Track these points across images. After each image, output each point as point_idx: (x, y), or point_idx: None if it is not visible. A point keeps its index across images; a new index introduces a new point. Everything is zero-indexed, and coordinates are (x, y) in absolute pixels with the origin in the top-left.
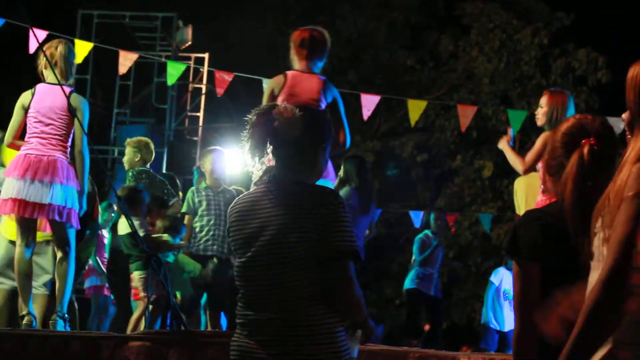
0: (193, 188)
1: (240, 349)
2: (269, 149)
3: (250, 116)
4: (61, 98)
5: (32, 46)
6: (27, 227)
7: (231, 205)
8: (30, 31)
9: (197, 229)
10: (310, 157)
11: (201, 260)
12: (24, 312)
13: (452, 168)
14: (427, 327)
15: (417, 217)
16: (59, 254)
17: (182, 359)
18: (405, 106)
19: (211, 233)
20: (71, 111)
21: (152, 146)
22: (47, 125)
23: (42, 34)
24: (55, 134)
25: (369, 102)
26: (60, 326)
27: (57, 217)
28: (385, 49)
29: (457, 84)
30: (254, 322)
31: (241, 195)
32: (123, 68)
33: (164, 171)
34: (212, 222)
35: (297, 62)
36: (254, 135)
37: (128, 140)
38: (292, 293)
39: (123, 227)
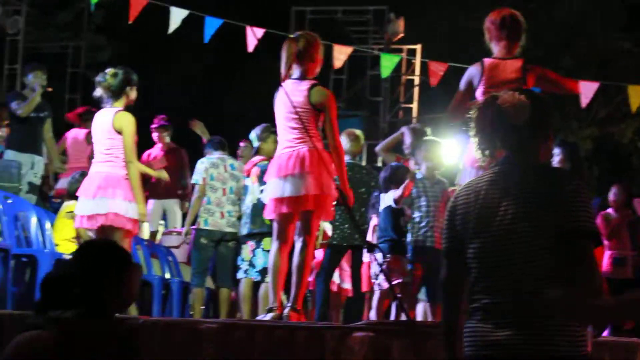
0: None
1: (473, 333)
2: (498, 136)
3: (472, 112)
4: (301, 93)
5: (250, 44)
6: (284, 224)
7: (459, 190)
8: (248, 29)
9: (417, 220)
10: (538, 142)
11: (420, 251)
12: (273, 305)
13: None
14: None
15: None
16: (299, 244)
17: (405, 350)
18: (624, 91)
19: (431, 224)
20: (312, 104)
21: (361, 139)
22: (292, 119)
23: (258, 32)
24: (299, 128)
25: (587, 89)
26: (295, 319)
27: (310, 207)
28: (601, 32)
29: None
30: (488, 307)
31: (469, 181)
32: (338, 62)
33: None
34: (430, 213)
35: (495, 46)
36: (482, 128)
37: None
38: (528, 276)
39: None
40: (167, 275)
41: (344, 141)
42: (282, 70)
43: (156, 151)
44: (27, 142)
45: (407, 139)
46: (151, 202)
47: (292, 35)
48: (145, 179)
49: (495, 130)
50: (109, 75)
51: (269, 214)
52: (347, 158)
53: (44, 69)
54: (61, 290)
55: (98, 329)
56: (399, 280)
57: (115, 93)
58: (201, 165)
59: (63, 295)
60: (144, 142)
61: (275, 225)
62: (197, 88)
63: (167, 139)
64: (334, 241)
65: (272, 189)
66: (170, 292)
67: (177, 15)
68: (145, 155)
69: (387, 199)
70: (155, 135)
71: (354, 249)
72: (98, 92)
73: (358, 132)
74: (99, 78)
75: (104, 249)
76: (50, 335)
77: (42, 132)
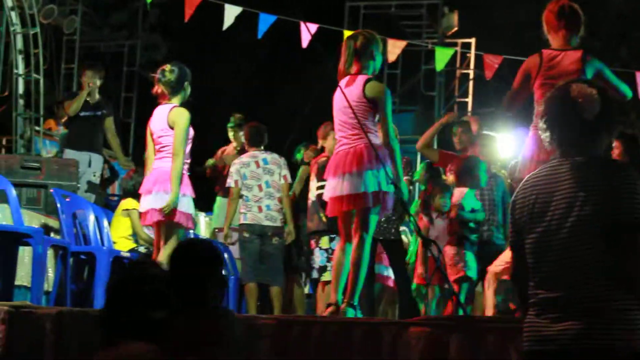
0: None
1: (530, 328)
2: (565, 129)
3: (542, 102)
4: (357, 87)
5: (304, 40)
6: (346, 222)
7: (522, 182)
8: (302, 25)
9: None
10: (603, 135)
11: (477, 245)
12: (332, 301)
13: None
14: None
15: None
16: (355, 240)
17: (463, 345)
18: None
19: (487, 218)
20: (367, 99)
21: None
22: (347, 115)
23: (312, 28)
24: (355, 123)
25: None
26: (351, 315)
27: (370, 204)
28: None
29: None
30: (543, 301)
31: (529, 175)
32: (392, 56)
33: None
34: (486, 207)
35: (553, 37)
36: (551, 119)
37: None
38: (581, 269)
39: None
40: (224, 272)
41: None
42: (341, 67)
43: (230, 149)
44: (83, 141)
45: (474, 126)
46: (219, 199)
47: (350, 33)
48: (217, 175)
49: (564, 122)
50: (167, 71)
51: (329, 213)
52: None
53: (94, 67)
54: (151, 291)
55: (204, 326)
56: (459, 275)
57: (175, 89)
58: (233, 167)
59: (155, 296)
60: (201, 138)
61: (339, 223)
62: (251, 85)
63: (242, 138)
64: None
65: (330, 188)
66: (227, 289)
67: (231, 12)
68: (219, 152)
69: (458, 194)
70: (230, 134)
71: (391, 242)
72: (157, 88)
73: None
74: (157, 75)
75: (204, 247)
76: (154, 347)
77: (99, 131)
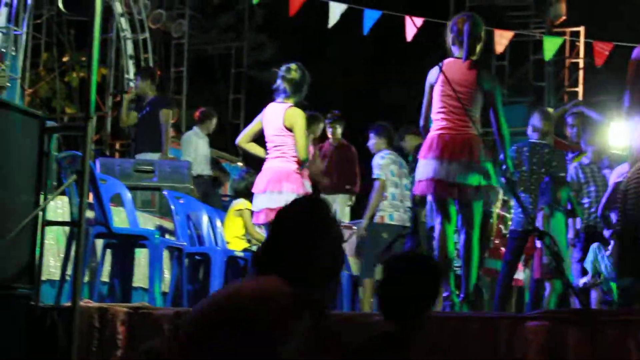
0: (576, 164)
1: None
2: None
3: None
4: (463, 71)
5: (409, 34)
6: (443, 205)
7: (631, 173)
8: (407, 19)
9: (586, 206)
10: None
11: (591, 237)
12: (446, 292)
13: None
14: None
15: None
16: (462, 236)
17: (582, 339)
18: None
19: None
20: (479, 86)
21: (552, 118)
22: (454, 99)
23: (418, 22)
24: (460, 108)
25: None
26: (464, 308)
27: (471, 198)
28: None
29: None
30: None
31: None
32: (499, 47)
33: None
34: (600, 198)
35: None
36: None
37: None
38: None
39: None
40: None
41: (536, 119)
42: (457, 50)
43: (326, 145)
44: (135, 143)
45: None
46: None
47: (459, 16)
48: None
49: None
50: (293, 69)
51: (419, 191)
52: (534, 137)
53: (141, 72)
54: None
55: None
56: None
57: (297, 88)
58: (382, 160)
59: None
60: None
61: (435, 206)
62: (356, 80)
63: (339, 134)
64: (512, 227)
65: (430, 168)
66: (340, 286)
67: (336, 10)
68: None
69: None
70: (329, 130)
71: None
72: (280, 85)
73: (550, 110)
74: (282, 72)
75: (429, 265)
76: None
77: (146, 129)
